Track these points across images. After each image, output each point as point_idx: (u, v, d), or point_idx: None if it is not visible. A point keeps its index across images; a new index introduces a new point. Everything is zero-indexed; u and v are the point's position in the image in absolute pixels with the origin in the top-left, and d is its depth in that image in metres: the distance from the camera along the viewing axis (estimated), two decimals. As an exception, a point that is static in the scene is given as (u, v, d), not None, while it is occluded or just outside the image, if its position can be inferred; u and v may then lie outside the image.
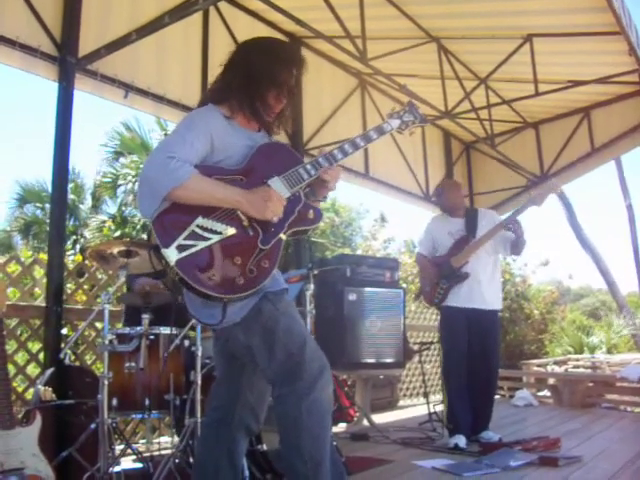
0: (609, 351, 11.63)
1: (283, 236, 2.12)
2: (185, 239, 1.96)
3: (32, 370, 4.64)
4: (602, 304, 23.35)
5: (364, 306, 5.76)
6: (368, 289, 5.83)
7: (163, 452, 3.75)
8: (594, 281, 35.52)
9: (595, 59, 6.29)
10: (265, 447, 3.30)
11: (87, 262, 5.09)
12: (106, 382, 3.15)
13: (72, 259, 7.50)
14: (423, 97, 5.76)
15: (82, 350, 4.94)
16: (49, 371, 3.68)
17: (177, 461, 3.27)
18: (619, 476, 3.51)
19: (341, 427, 5.77)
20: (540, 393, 7.76)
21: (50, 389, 3.45)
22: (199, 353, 3.44)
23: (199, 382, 3.38)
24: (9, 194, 15.10)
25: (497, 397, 5.60)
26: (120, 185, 13.83)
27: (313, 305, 4.11)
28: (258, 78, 2.19)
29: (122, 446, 3.53)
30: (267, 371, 2.12)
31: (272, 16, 6.16)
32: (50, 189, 4.65)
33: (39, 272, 4.76)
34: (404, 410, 7.13)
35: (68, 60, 4.54)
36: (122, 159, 14.04)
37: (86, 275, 5.11)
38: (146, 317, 3.50)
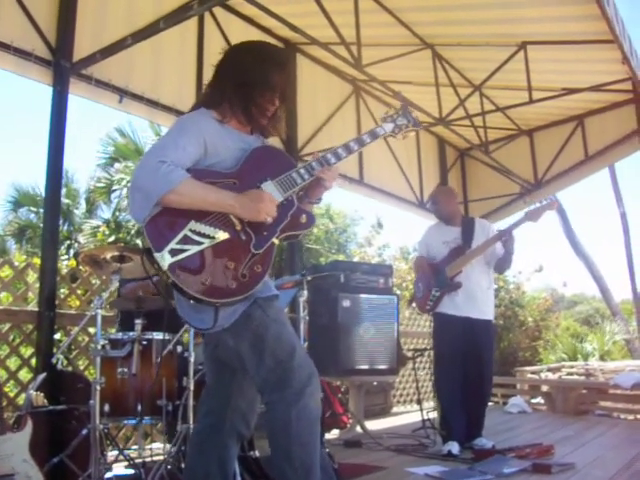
0: (602, 358, 11.64)
1: (276, 240, 2.12)
2: (178, 243, 1.96)
3: (24, 375, 4.61)
4: (596, 311, 23.35)
5: (358, 312, 5.76)
6: (362, 295, 5.82)
7: (155, 458, 3.73)
8: (588, 288, 35.56)
9: (589, 67, 6.32)
10: (257, 453, 3.29)
11: (81, 267, 5.08)
12: (98, 387, 3.13)
13: (66, 264, 7.47)
14: (418, 104, 5.77)
15: (75, 355, 4.92)
16: (41, 376, 3.66)
17: (169, 467, 3.26)
18: (612, 483, 3.51)
19: (334, 434, 5.76)
20: (534, 400, 7.76)
21: (42, 394, 3.44)
22: (192, 359, 3.43)
23: (192, 388, 3.37)
24: (3, 197, 15.07)
25: (490, 404, 5.61)
26: (114, 190, 13.79)
27: (307, 311, 4.11)
28: (251, 81, 2.20)
29: (114, 452, 3.51)
30: (256, 377, 2.12)
31: (267, 22, 6.18)
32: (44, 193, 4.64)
33: (32, 277, 4.75)
34: (397, 417, 7.12)
35: (62, 64, 4.53)
36: (116, 164, 14.01)
37: (79, 280, 5.09)
38: (139, 322, 3.49)
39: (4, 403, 3.11)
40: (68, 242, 13.35)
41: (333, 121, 7.23)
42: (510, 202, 8.83)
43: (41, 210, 12.98)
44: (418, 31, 6.10)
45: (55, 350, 4.16)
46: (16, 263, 5.01)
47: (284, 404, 2.04)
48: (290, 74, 2.31)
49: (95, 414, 3.10)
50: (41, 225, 5.59)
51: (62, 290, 4.91)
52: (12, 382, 4.50)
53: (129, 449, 4.61)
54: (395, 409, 7.73)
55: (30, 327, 4.46)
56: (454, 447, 4.42)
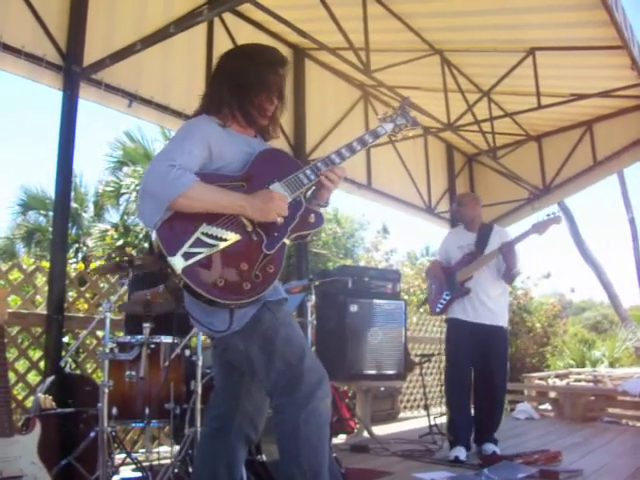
0: (611, 365, 11.56)
1: (287, 241, 2.13)
2: (190, 247, 1.96)
3: (32, 378, 4.63)
4: (604, 317, 23.25)
5: (365, 317, 5.76)
6: (370, 301, 5.83)
7: (162, 461, 3.73)
8: (596, 294, 35.47)
9: (597, 73, 6.30)
10: (265, 458, 3.29)
11: (89, 272, 5.10)
12: (106, 391, 3.15)
13: (74, 267, 7.50)
14: (426, 109, 5.79)
15: (83, 358, 4.94)
16: (49, 379, 3.67)
17: (176, 470, 3.27)
18: (620, 490, 3.50)
19: (341, 438, 5.75)
20: (541, 406, 7.73)
21: (50, 397, 3.45)
22: (200, 362, 3.44)
23: (199, 391, 3.38)
24: (13, 200, 15.11)
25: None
26: (123, 194, 13.83)
27: (314, 316, 4.11)
28: (246, 83, 2.22)
29: (121, 455, 3.52)
30: (265, 381, 2.11)
31: (276, 27, 6.20)
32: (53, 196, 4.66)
33: (41, 280, 4.77)
34: (404, 422, 7.10)
35: (73, 69, 4.56)
36: (125, 168, 14.07)
37: (88, 283, 5.12)
38: (147, 326, 3.50)
39: (12, 405, 3.12)
40: (77, 246, 13.38)
41: (341, 126, 7.24)
42: (518, 208, 8.81)
43: (50, 213, 13.08)
44: (427, 37, 6.10)
45: (63, 353, 4.17)
46: (25, 266, 5.05)
47: (293, 407, 2.03)
48: (286, 73, 2.31)
49: (103, 417, 3.11)
50: (50, 228, 5.61)
51: (70, 293, 4.93)
52: (21, 385, 4.52)
53: (136, 452, 4.62)
54: (402, 414, 7.71)
55: (39, 330, 4.49)
56: (461, 453, 4.41)
